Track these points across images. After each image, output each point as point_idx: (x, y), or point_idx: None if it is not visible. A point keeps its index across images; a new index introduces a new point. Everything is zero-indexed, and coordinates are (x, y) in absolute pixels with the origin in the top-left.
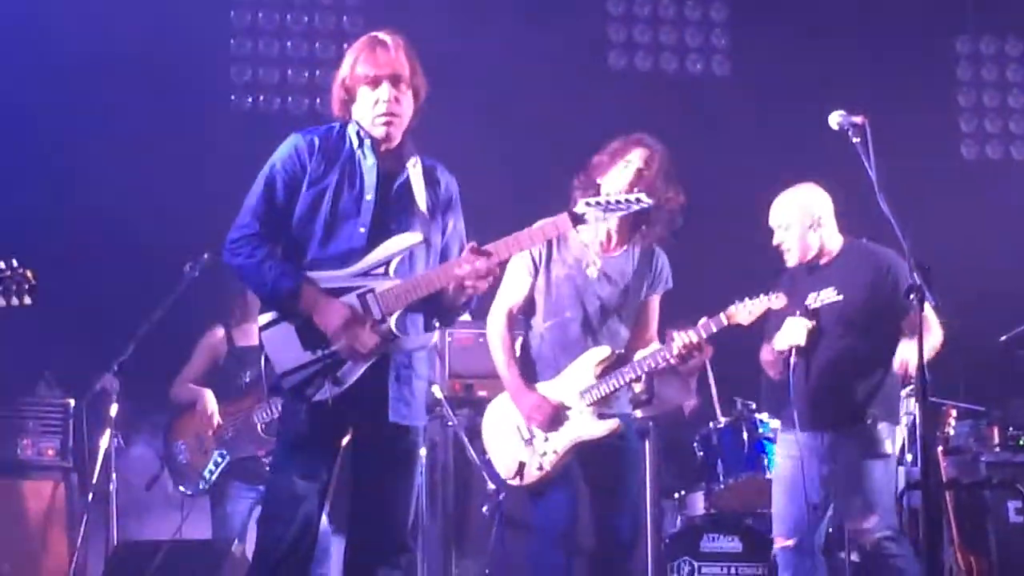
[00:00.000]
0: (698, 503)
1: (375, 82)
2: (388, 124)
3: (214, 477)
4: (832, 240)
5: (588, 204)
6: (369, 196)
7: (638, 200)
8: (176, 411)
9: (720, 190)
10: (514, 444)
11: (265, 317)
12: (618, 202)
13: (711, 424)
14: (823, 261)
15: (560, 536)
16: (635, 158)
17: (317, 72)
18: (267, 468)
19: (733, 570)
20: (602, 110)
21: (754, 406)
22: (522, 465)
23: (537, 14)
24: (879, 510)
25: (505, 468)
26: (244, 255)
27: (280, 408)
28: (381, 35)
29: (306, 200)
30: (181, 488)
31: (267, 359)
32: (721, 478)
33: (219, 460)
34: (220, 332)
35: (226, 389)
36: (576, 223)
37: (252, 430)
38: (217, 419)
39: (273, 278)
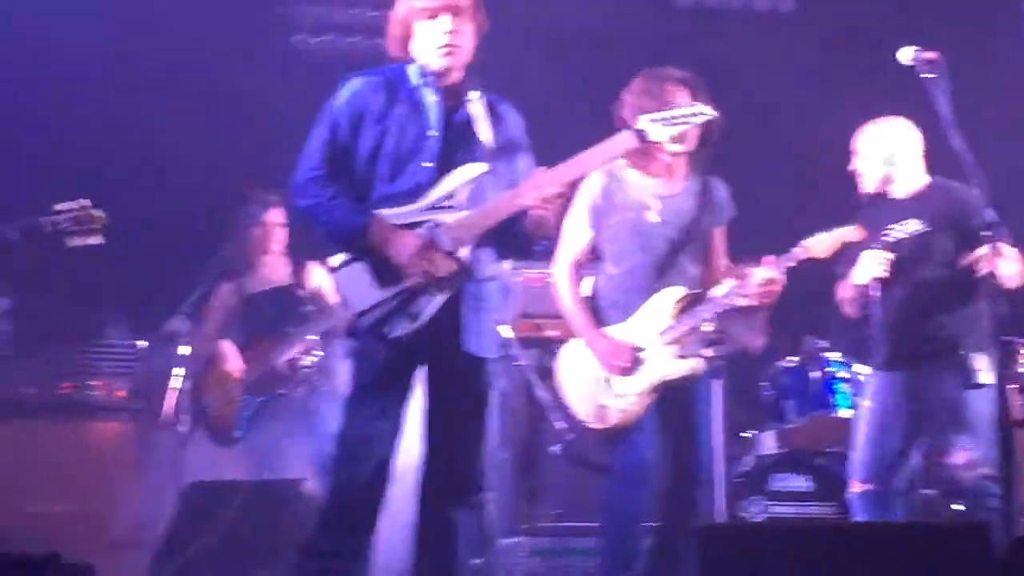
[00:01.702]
0: (768, 442)
1: (434, 14)
2: (449, 55)
3: (245, 423)
4: (917, 176)
5: (652, 120)
6: (433, 132)
7: (700, 112)
8: (199, 369)
9: (787, 127)
10: (593, 388)
11: (337, 258)
12: (681, 115)
13: (780, 363)
14: (906, 196)
15: (640, 476)
16: (680, 100)
17: (382, 12)
18: (291, 401)
19: (804, 509)
20: (668, 48)
21: (823, 344)
22: (603, 408)
23: None
24: (979, 443)
25: (586, 412)
26: (312, 196)
27: (351, 348)
28: None
29: (370, 139)
30: (217, 441)
31: (342, 300)
32: (791, 417)
33: (248, 405)
34: (229, 286)
35: (246, 337)
36: (640, 140)
37: (274, 370)
38: (239, 365)
39: (341, 217)
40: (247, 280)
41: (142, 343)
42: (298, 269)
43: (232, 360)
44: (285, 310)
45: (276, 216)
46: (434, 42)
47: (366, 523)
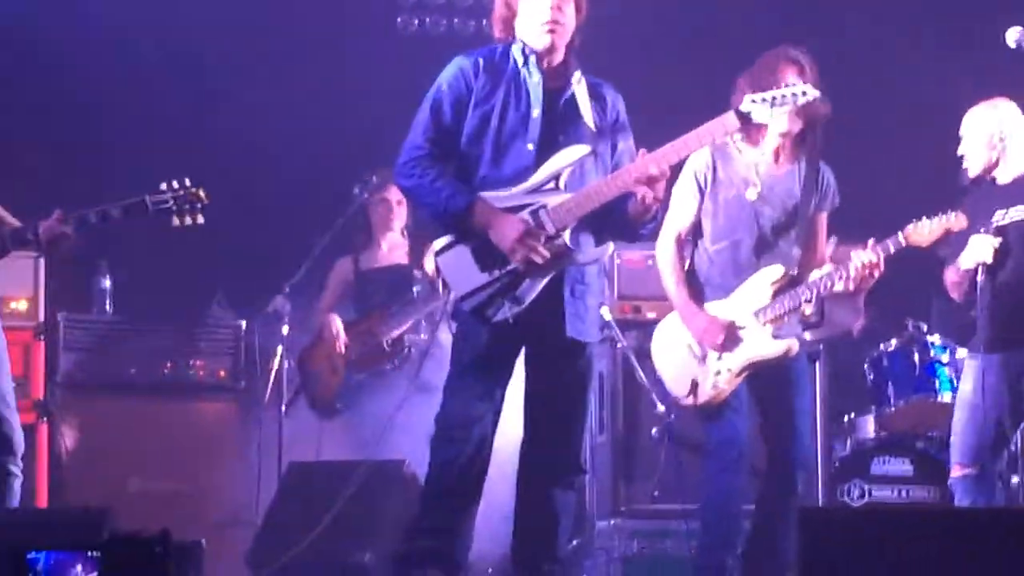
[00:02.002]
0: (868, 426)
1: None
2: (552, 32)
3: (347, 397)
4: (1021, 158)
5: (753, 101)
6: (536, 113)
7: (804, 93)
8: (308, 340)
9: (893, 107)
10: (687, 362)
11: (440, 242)
12: (783, 96)
13: (881, 346)
14: (1011, 179)
15: (735, 458)
16: (790, 79)
17: None
18: (395, 378)
19: (904, 493)
20: (768, 23)
21: (925, 327)
22: (695, 384)
23: None
24: None
25: (678, 387)
26: (416, 176)
27: (454, 330)
28: None
29: (473, 120)
30: (319, 412)
31: (445, 283)
32: (891, 400)
33: (350, 379)
34: (347, 262)
35: (358, 312)
36: (743, 121)
37: (378, 347)
38: (344, 339)
39: (446, 197)
40: (365, 256)
41: (243, 323)
42: (417, 249)
43: (339, 334)
44: (398, 289)
45: (397, 194)
46: (538, 18)
47: (466, 503)
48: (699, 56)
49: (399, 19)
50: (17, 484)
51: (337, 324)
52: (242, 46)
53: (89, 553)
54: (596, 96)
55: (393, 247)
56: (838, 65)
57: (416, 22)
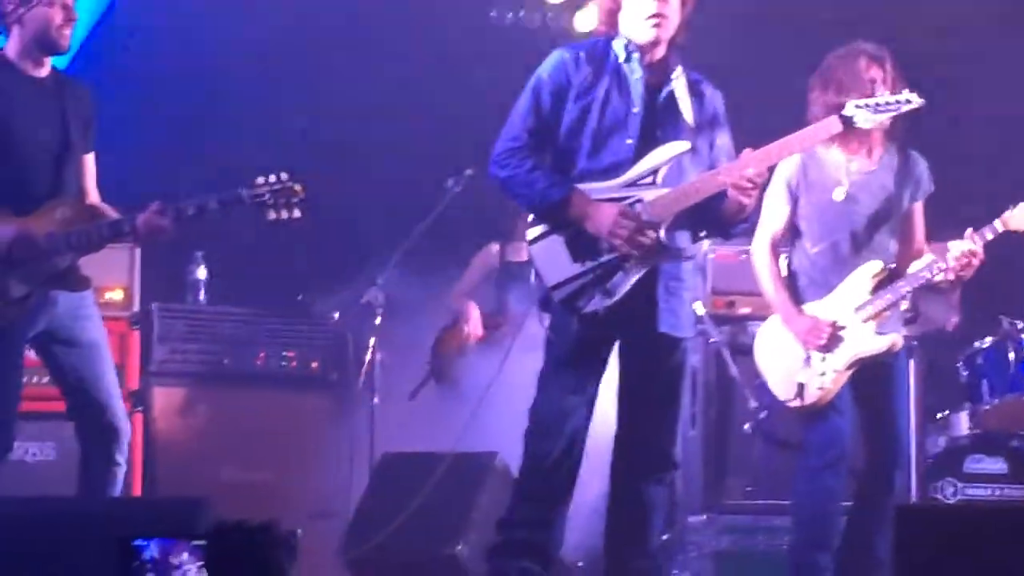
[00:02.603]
0: (962, 423)
1: None
2: (658, 25)
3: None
4: None
5: (858, 106)
6: (636, 108)
7: (908, 101)
8: (446, 323)
9: (988, 96)
10: (791, 365)
11: (534, 231)
12: (888, 103)
13: (975, 343)
14: None
15: (837, 457)
16: (875, 76)
17: None
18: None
19: (998, 492)
20: (860, 28)
21: (1021, 325)
22: (802, 387)
23: None
24: None
25: (784, 390)
26: (512, 166)
27: (547, 321)
28: None
29: (573, 113)
30: (443, 397)
31: (537, 273)
32: (986, 398)
33: (473, 364)
34: (494, 249)
35: (496, 302)
36: (846, 126)
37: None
38: (479, 329)
39: (542, 188)
40: (511, 247)
41: (337, 314)
42: None
43: (474, 322)
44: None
45: None
46: (643, 11)
47: (559, 496)
48: (792, 50)
49: (493, 12)
50: (121, 473)
51: (475, 312)
52: (335, 40)
53: (193, 541)
54: (695, 93)
55: None
56: (929, 53)
57: (510, 15)
